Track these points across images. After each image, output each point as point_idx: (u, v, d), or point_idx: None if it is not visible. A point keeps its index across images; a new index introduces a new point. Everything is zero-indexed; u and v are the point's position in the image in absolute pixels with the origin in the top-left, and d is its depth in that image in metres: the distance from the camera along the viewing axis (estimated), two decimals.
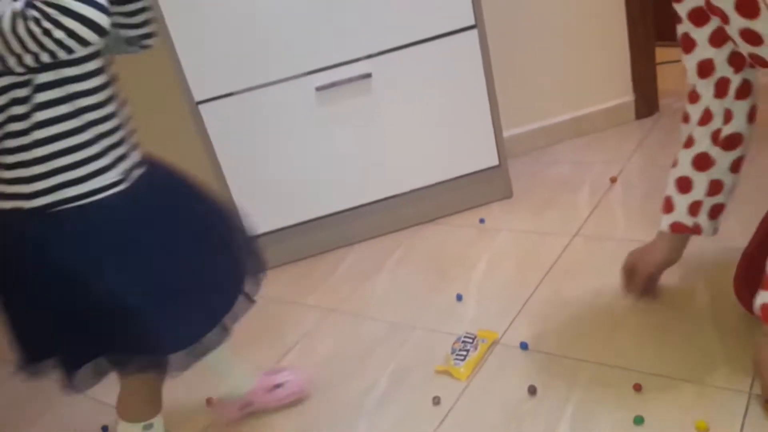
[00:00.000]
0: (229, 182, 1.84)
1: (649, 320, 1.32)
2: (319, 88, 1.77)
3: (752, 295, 1.05)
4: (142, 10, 1.07)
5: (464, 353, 1.33)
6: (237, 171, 1.84)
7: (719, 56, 1.13)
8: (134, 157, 1.05)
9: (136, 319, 0.97)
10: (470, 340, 1.36)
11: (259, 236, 1.90)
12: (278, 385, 1.32)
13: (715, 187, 1.21)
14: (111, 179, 0.98)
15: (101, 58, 1.00)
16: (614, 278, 1.39)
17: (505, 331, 1.40)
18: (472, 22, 1.77)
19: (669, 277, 1.36)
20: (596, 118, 2.29)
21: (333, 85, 1.77)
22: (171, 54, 1.69)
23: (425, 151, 1.90)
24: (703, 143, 1.19)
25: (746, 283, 1.18)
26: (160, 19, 1.65)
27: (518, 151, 2.26)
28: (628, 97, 2.28)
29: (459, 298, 1.56)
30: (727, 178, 1.20)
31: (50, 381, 1.04)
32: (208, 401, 1.42)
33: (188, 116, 1.78)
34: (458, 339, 1.38)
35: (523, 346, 1.33)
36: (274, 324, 1.67)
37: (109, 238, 0.98)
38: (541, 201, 1.94)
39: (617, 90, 2.28)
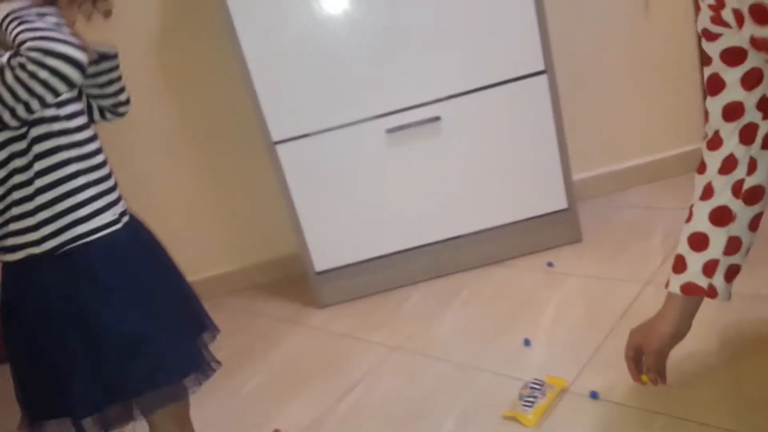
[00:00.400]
0: (300, 219, 1.90)
1: (726, 373, 1.27)
2: (389, 131, 1.82)
3: None
4: (114, 80, 1.19)
5: (532, 399, 1.31)
6: (309, 208, 1.90)
7: (750, 100, 1.04)
8: (122, 204, 1.14)
9: (151, 347, 1.04)
10: (539, 387, 1.34)
11: (327, 271, 1.96)
12: None
13: (733, 245, 1.09)
14: (108, 219, 1.07)
15: (85, 115, 1.10)
16: (697, 328, 1.34)
17: (574, 379, 1.38)
18: (542, 67, 1.79)
19: (751, 325, 1.31)
20: (670, 162, 2.25)
21: (402, 127, 1.82)
22: (251, 97, 1.79)
23: (493, 192, 1.92)
24: (724, 195, 1.09)
25: None
26: (242, 64, 1.75)
27: (588, 195, 2.24)
28: (701, 141, 2.23)
29: (527, 342, 1.55)
30: (746, 237, 1.09)
31: None
32: None
33: (266, 155, 1.86)
34: (526, 384, 1.36)
35: (594, 395, 1.30)
36: (339, 359, 1.69)
37: (117, 271, 1.05)
38: (612, 246, 1.91)
39: (691, 134, 2.23)
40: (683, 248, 1.14)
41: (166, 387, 1.07)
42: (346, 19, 1.75)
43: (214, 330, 1.24)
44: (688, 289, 1.12)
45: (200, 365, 1.12)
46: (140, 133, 2.21)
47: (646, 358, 1.18)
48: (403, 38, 1.77)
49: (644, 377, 1.21)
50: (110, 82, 1.19)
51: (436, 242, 1.96)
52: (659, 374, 1.18)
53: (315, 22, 1.75)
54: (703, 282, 1.11)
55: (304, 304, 2.07)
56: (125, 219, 1.12)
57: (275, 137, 1.83)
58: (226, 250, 2.35)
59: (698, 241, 1.11)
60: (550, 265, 1.89)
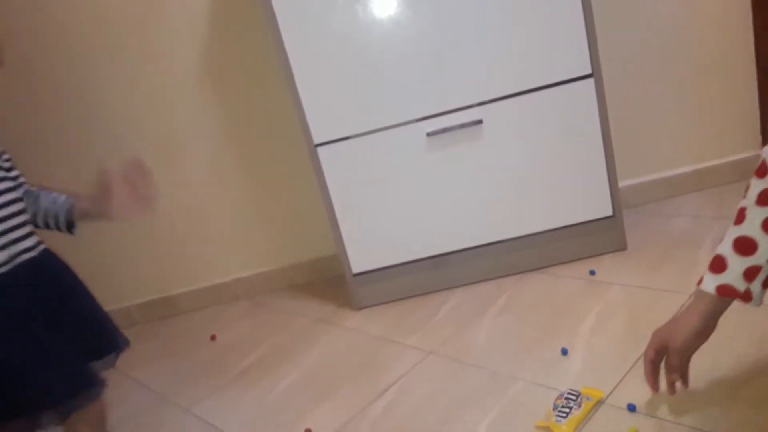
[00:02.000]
0: (339, 220, 1.91)
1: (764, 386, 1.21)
2: (430, 134, 1.82)
3: None
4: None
5: (567, 410, 1.28)
6: (348, 210, 1.91)
7: None
8: (25, 245, 1.18)
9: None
10: (574, 397, 1.31)
11: (365, 273, 1.96)
12: None
13: None
14: None
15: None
16: (735, 343, 1.29)
17: (612, 391, 1.34)
18: (588, 71, 1.75)
19: None
20: (720, 171, 2.17)
21: (444, 131, 1.81)
22: (294, 100, 1.81)
23: (536, 198, 1.88)
24: None
25: None
26: (286, 68, 1.77)
27: (635, 203, 2.18)
28: (755, 150, 2.15)
29: (564, 352, 1.51)
30: None
31: None
32: None
33: (307, 158, 1.87)
34: (561, 395, 1.33)
35: (631, 408, 1.26)
36: (373, 362, 1.69)
37: None
38: (658, 255, 1.85)
39: (744, 142, 2.15)
40: (726, 250, 1.11)
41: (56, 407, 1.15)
42: (390, 23, 1.75)
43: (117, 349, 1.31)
44: (724, 290, 1.10)
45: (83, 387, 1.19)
46: (186, 138, 2.27)
47: (670, 357, 1.16)
48: (445, 41, 1.76)
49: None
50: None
51: (476, 247, 1.94)
52: (682, 376, 1.17)
53: (358, 26, 1.75)
54: (740, 285, 1.09)
55: (340, 306, 2.09)
56: (17, 260, 1.17)
57: (316, 140, 1.84)
58: (267, 251, 2.38)
59: (745, 246, 1.09)
60: (592, 273, 1.84)
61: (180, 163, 2.29)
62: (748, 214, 1.10)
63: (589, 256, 1.93)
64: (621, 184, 1.99)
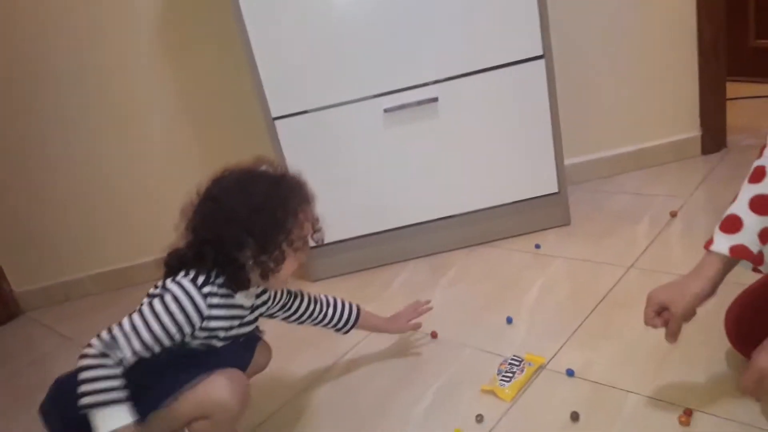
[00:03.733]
0: None
1: (700, 354, 1.32)
2: (387, 110, 1.86)
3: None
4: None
5: (510, 375, 1.37)
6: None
7: None
8: None
9: None
10: (517, 363, 1.40)
11: (321, 246, 2.00)
12: None
13: None
14: None
15: None
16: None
17: (552, 357, 1.43)
18: (540, 52, 1.82)
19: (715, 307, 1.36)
20: (661, 151, 2.29)
21: (400, 107, 1.85)
22: (253, 72, 1.82)
23: (486, 174, 1.96)
24: None
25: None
26: (245, 41, 1.78)
27: (579, 180, 2.28)
28: (695, 131, 2.27)
29: (509, 320, 1.60)
30: None
31: None
32: None
33: (265, 130, 1.89)
34: (505, 360, 1.42)
35: (570, 372, 1.36)
36: (326, 331, 1.74)
37: None
38: (599, 230, 1.95)
39: (684, 124, 2.27)
40: (742, 208, 1.05)
41: None
42: None
43: None
44: (738, 251, 1.04)
45: None
46: (143, 112, 2.25)
47: (673, 322, 1.11)
48: (404, 19, 1.79)
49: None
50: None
51: (428, 221, 2.00)
52: (676, 335, 1.14)
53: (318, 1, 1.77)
54: (754, 247, 1.04)
55: (296, 277, 2.12)
56: None
57: (274, 113, 1.86)
58: None
59: (763, 204, 1.03)
60: (537, 247, 1.94)
61: (137, 137, 2.28)
62: None
63: (535, 231, 2.02)
64: (567, 161, 2.08)
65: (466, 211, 2.00)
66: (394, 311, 1.59)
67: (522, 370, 1.38)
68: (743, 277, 1.16)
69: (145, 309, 1.11)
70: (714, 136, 2.27)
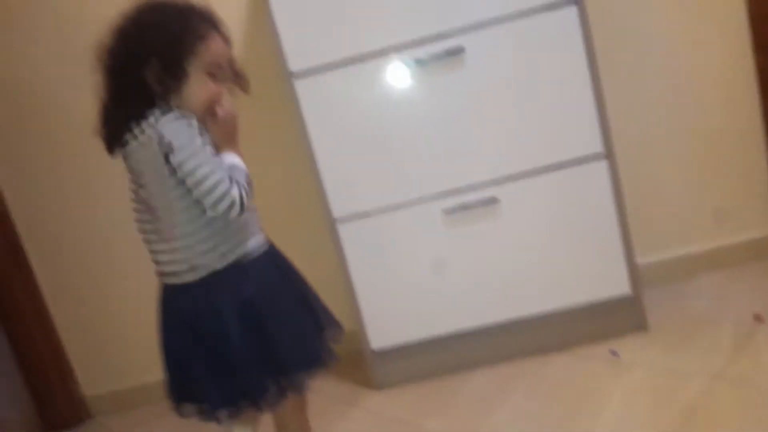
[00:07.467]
0: (359, 297, 1.92)
1: None
2: (446, 211, 1.84)
3: None
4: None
5: None
6: (367, 286, 1.92)
7: None
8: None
9: (304, 338, 1.30)
10: None
11: (384, 350, 1.95)
12: None
13: None
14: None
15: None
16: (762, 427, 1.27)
17: None
18: (601, 149, 1.79)
19: None
20: (738, 249, 2.17)
21: (460, 207, 1.84)
22: (314, 173, 1.86)
23: (553, 276, 1.89)
24: None
25: None
26: (306, 142, 1.83)
27: (656, 281, 2.17)
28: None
29: None
30: None
31: None
32: None
33: (326, 232, 1.90)
34: None
35: None
36: None
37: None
38: (679, 336, 1.83)
39: (761, 219, 2.16)
40: None
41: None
42: (409, 96, 1.81)
43: (336, 327, 1.40)
44: None
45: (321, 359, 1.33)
46: None
47: None
48: (462, 119, 1.81)
49: None
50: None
51: (495, 324, 1.92)
52: None
53: (377, 102, 1.81)
54: None
55: (359, 384, 2.06)
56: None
57: (336, 214, 1.88)
58: None
59: None
60: (613, 353, 1.82)
61: None
62: None
63: (611, 337, 1.90)
64: (641, 261, 2.00)
65: (534, 313, 1.91)
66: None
67: None
68: None
69: (192, 159, 1.15)
70: None
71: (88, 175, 2.30)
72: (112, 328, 2.40)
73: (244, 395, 1.24)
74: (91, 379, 2.46)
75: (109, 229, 2.33)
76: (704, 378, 1.60)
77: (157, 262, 1.27)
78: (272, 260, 1.32)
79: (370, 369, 1.99)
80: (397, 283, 1.91)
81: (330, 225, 1.89)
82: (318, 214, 1.91)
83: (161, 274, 1.27)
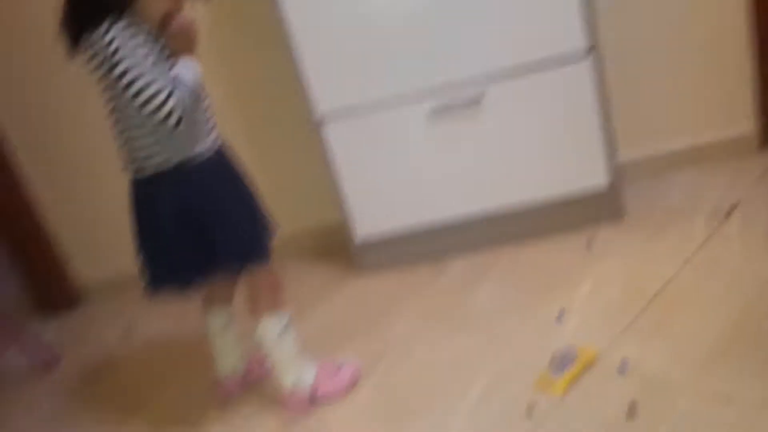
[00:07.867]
0: (344, 188, 1.96)
1: (757, 352, 1.27)
2: (433, 106, 1.85)
3: None
4: None
5: (562, 368, 1.34)
6: (352, 178, 1.96)
7: None
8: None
9: (241, 234, 1.41)
10: (569, 357, 1.37)
11: (368, 240, 2.01)
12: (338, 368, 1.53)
13: None
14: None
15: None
16: (724, 309, 1.35)
17: (605, 351, 1.40)
18: (589, 44, 1.78)
19: None
20: (717, 146, 2.20)
21: (447, 101, 1.84)
22: (298, 70, 1.85)
23: (533, 168, 1.93)
24: None
25: None
26: (289, 39, 1.80)
27: (636, 176, 2.21)
28: (752, 125, 2.18)
29: (561, 315, 1.57)
30: None
31: None
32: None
33: (311, 127, 1.91)
34: (556, 355, 1.39)
35: (623, 367, 1.32)
36: (373, 325, 1.75)
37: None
38: (653, 227, 1.90)
39: (740, 118, 2.18)
40: None
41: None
42: None
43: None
44: None
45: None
46: None
47: None
48: (449, 11, 1.78)
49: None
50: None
51: (476, 215, 1.98)
52: None
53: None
54: None
55: (343, 271, 2.13)
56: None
57: (321, 110, 1.88)
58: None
59: None
60: (589, 242, 1.89)
61: None
62: None
63: (588, 226, 1.97)
64: (623, 157, 2.03)
65: (515, 204, 1.95)
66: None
67: (574, 364, 1.35)
68: None
69: (132, 71, 1.21)
70: None
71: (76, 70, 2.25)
72: (103, 215, 2.44)
73: (176, 278, 1.41)
74: (84, 265, 2.54)
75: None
76: (674, 264, 1.67)
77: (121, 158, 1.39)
78: (218, 163, 1.41)
79: (354, 258, 2.06)
80: (381, 176, 1.95)
81: (316, 120, 1.89)
82: (303, 109, 1.90)
83: (124, 168, 1.39)
